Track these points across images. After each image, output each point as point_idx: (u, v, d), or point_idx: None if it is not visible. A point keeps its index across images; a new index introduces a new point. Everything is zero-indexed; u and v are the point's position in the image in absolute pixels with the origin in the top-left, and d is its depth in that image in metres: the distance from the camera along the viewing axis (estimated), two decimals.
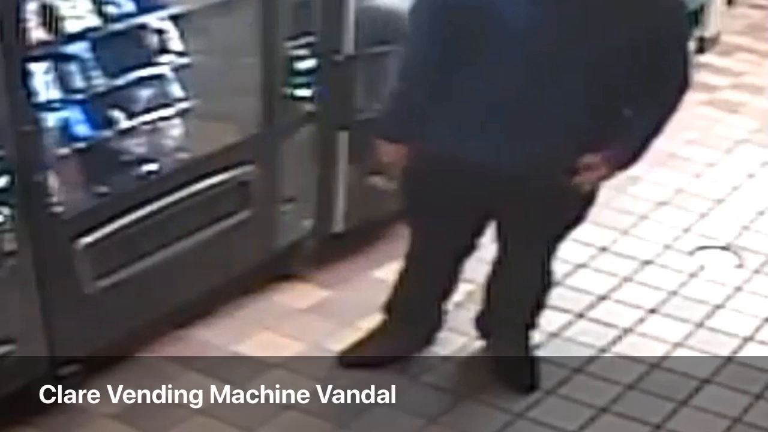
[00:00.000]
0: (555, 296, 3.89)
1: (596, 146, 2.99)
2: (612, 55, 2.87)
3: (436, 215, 3.27)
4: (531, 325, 3.52)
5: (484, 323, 3.58)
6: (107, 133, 3.24)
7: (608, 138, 3.01)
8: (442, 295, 3.52)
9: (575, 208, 3.20)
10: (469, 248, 3.38)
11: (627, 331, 3.80)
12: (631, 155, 3.07)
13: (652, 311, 3.93)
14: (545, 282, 3.45)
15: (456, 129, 3.02)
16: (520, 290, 3.44)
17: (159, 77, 3.40)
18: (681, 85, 3.01)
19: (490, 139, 2.97)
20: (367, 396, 3.37)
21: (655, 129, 3.03)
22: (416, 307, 3.53)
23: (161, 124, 3.40)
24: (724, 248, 4.39)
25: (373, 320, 3.66)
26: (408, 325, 3.54)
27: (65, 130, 3.09)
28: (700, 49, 6.15)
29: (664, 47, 2.93)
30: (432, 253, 3.39)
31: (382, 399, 3.37)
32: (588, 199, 3.20)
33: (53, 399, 3.20)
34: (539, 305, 3.49)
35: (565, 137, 2.97)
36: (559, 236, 3.31)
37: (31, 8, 2.81)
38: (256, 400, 3.35)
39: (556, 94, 2.89)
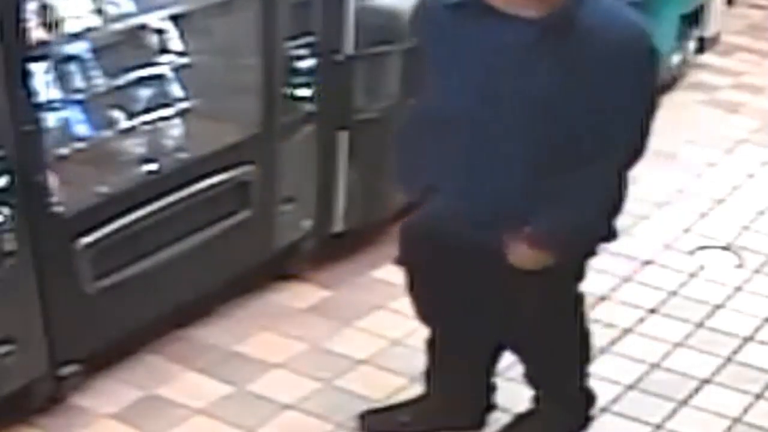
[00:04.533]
0: None
1: (523, 219, 2.63)
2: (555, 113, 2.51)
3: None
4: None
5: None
6: (107, 133, 3.24)
7: (534, 212, 2.61)
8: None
9: (530, 294, 2.78)
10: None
11: (627, 331, 3.80)
12: (559, 235, 2.63)
13: (652, 311, 3.93)
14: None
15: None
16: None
17: (159, 77, 3.40)
18: (626, 157, 2.64)
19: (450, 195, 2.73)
20: (367, 396, 3.38)
21: (589, 207, 2.64)
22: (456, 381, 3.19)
23: (161, 124, 3.40)
24: (724, 248, 4.39)
25: (373, 320, 3.67)
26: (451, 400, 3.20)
27: (65, 130, 3.10)
28: (700, 49, 6.15)
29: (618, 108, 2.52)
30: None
31: (383, 399, 3.37)
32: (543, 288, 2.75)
33: (53, 399, 3.21)
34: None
35: (503, 198, 2.63)
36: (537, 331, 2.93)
37: (31, 8, 2.81)
38: (256, 400, 3.36)
39: (500, 149, 2.59)
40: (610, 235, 2.80)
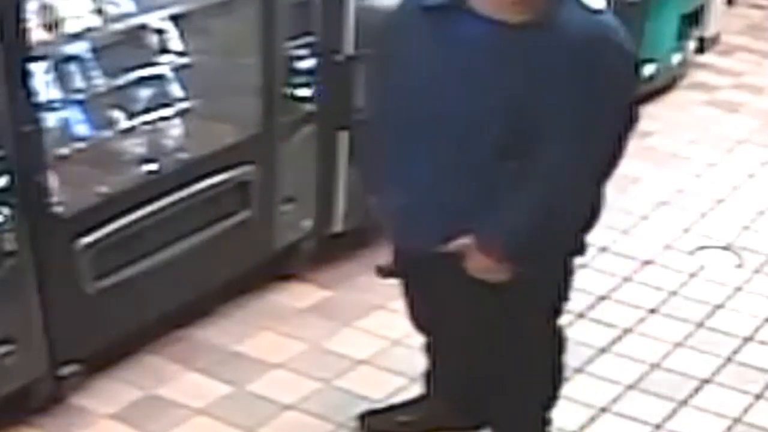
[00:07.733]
0: None
1: (469, 224, 2.57)
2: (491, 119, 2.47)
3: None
4: None
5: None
6: (107, 133, 3.24)
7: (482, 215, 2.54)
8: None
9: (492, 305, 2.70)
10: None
11: (627, 331, 3.80)
12: (505, 241, 2.55)
13: (652, 311, 3.93)
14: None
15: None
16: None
17: (159, 77, 3.40)
18: (580, 164, 2.50)
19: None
20: (367, 396, 3.38)
21: (540, 215, 2.52)
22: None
23: (161, 124, 3.40)
24: (724, 248, 4.39)
25: (373, 320, 3.67)
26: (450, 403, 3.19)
27: (65, 130, 3.10)
28: (700, 49, 6.15)
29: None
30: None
31: (383, 399, 3.37)
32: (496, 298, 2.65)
33: (53, 399, 3.21)
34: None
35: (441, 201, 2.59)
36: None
37: (31, 8, 2.81)
38: (256, 400, 3.36)
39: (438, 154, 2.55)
40: (579, 248, 2.73)
